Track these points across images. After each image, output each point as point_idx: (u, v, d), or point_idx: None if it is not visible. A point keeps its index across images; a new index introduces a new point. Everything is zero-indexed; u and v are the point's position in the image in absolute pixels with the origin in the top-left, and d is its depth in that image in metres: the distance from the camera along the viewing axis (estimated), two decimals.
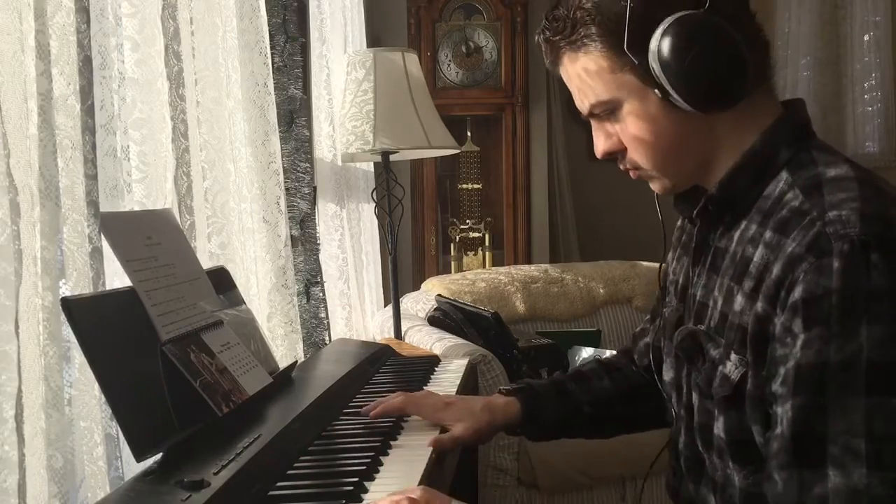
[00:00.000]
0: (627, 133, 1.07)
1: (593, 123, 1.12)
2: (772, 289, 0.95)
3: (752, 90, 1.03)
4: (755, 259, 0.99)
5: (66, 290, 1.09)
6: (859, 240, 0.89)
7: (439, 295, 2.77)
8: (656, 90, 1.02)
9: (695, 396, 1.10)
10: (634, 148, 1.08)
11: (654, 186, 1.13)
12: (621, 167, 1.14)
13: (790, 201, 0.99)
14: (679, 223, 1.27)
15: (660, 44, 0.99)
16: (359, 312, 2.72)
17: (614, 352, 2.83)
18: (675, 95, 1.00)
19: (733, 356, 1.01)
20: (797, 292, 0.91)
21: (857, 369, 0.87)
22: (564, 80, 1.12)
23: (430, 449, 1.14)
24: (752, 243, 1.02)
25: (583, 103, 1.10)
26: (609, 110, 1.08)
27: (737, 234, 1.06)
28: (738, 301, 1.01)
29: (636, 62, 1.01)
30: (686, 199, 1.14)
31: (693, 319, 1.12)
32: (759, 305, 0.96)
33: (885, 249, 0.89)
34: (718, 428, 1.05)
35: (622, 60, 1.03)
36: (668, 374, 1.20)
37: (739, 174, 1.06)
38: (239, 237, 1.70)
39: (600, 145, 1.11)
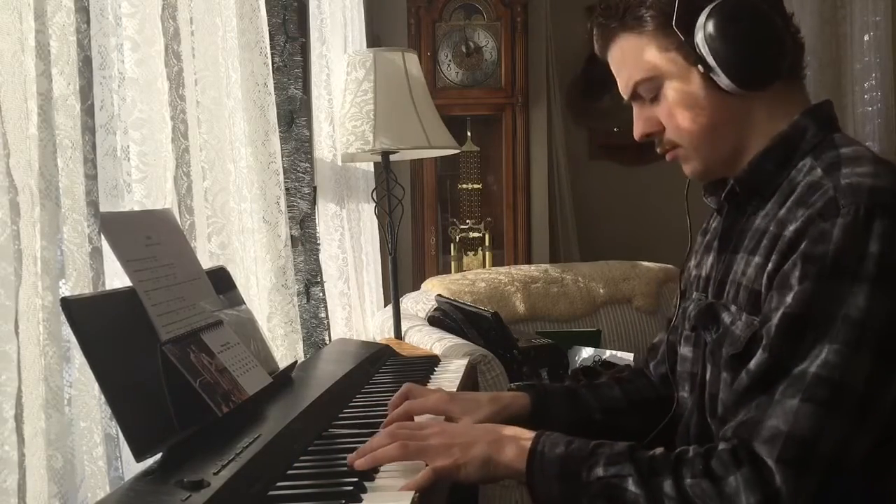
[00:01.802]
0: (668, 112, 1.15)
1: (635, 106, 1.19)
2: (784, 250, 1.01)
3: (783, 80, 1.11)
4: (771, 229, 1.06)
5: (65, 290, 1.09)
6: (865, 207, 0.97)
7: (439, 295, 2.77)
8: (700, 66, 1.09)
9: (708, 370, 1.14)
10: (673, 126, 1.15)
11: (687, 169, 1.19)
12: (658, 150, 1.20)
13: (810, 179, 1.06)
14: (703, 227, 1.30)
15: (706, 22, 1.07)
16: (359, 312, 2.72)
17: (615, 352, 2.84)
18: (717, 70, 1.08)
19: (745, 317, 1.07)
20: (801, 249, 0.99)
21: (833, 323, 0.95)
22: (612, 64, 1.20)
23: None
24: (770, 219, 1.08)
25: (628, 84, 1.18)
26: (652, 89, 1.15)
27: (759, 216, 1.11)
28: (753, 268, 1.07)
29: (683, 39, 1.10)
30: (715, 190, 1.20)
31: (713, 297, 1.17)
32: (771, 266, 1.03)
33: (888, 218, 0.96)
34: (724, 390, 1.09)
35: (669, 40, 1.11)
36: (682, 365, 1.23)
37: (767, 157, 1.12)
38: (239, 237, 1.70)
39: (640, 127, 1.18)
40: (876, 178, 1.00)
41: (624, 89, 1.19)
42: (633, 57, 1.15)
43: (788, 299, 0.98)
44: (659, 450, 1.01)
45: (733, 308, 1.10)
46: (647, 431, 1.28)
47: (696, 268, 1.27)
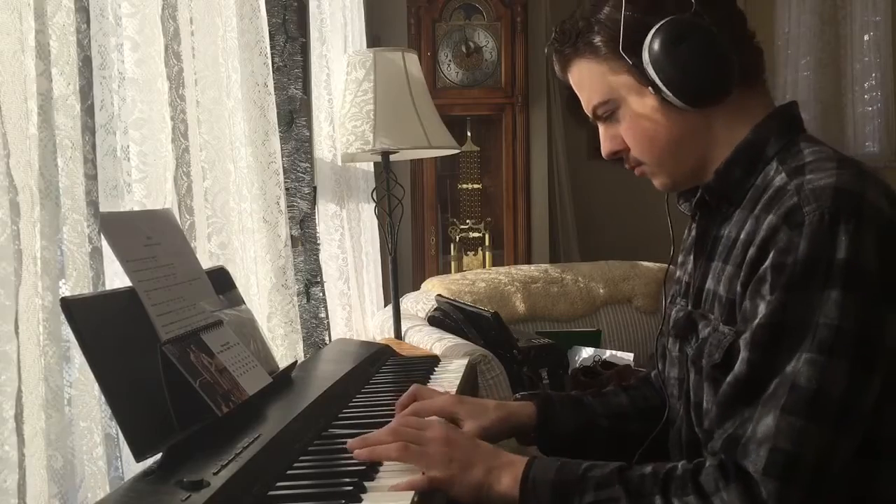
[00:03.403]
0: (628, 131, 1.16)
1: (600, 126, 1.20)
2: (753, 259, 1.02)
3: (740, 88, 1.10)
4: (742, 237, 1.07)
5: (65, 290, 1.09)
6: (829, 212, 0.97)
7: (439, 295, 2.77)
8: (650, 88, 1.10)
9: (691, 377, 1.15)
10: (635, 145, 1.16)
11: (656, 183, 1.21)
12: (626, 166, 1.21)
13: (776, 183, 1.06)
14: (686, 232, 1.30)
15: (651, 45, 1.08)
16: (359, 312, 2.71)
17: (615, 352, 2.83)
18: (666, 92, 1.09)
19: (722, 327, 1.07)
20: (770, 258, 0.99)
21: (807, 331, 0.95)
22: (573, 86, 1.21)
23: None
24: (741, 226, 1.08)
25: (588, 106, 1.19)
26: (611, 111, 1.16)
27: (730, 223, 1.12)
28: (727, 277, 1.08)
29: (631, 63, 1.10)
30: (689, 197, 1.21)
31: (692, 305, 1.18)
32: (743, 276, 1.03)
33: (853, 223, 0.96)
34: (708, 400, 1.09)
35: (620, 63, 1.12)
36: (671, 370, 1.24)
37: (733, 165, 1.12)
38: (239, 237, 1.70)
39: (606, 146, 1.20)
40: (839, 181, 0.99)
41: (586, 110, 1.20)
42: (588, 81, 1.17)
43: (761, 310, 0.99)
44: (648, 468, 1.01)
45: (711, 317, 1.10)
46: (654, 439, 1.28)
47: (680, 268, 1.28)
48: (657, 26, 1.08)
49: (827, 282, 0.95)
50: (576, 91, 1.21)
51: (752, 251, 1.02)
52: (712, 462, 0.98)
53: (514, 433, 1.30)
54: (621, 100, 1.14)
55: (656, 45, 1.07)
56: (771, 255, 0.99)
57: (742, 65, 1.10)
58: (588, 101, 1.19)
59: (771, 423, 0.95)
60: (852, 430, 0.95)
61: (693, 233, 1.24)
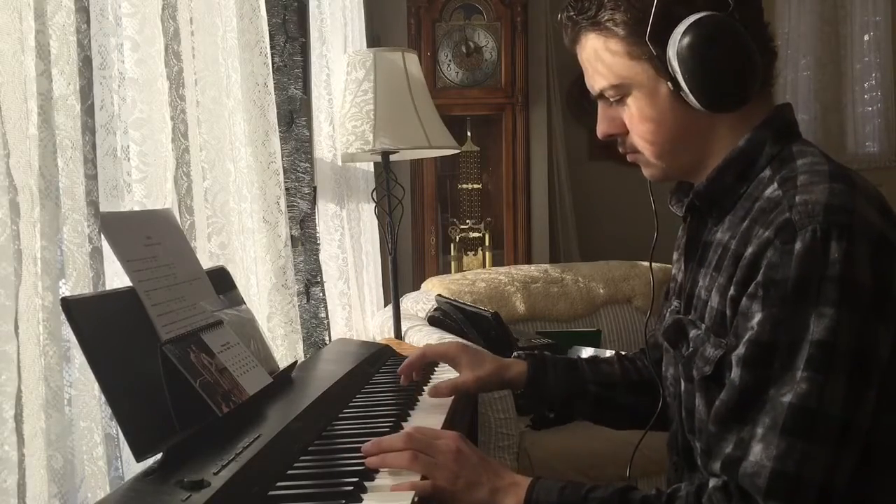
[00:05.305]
0: (632, 119, 1.12)
1: (600, 105, 1.16)
2: (744, 272, 1.00)
3: (756, 96, 1.07)
4: (733, 247, 1.05)
5: (66, 290, 1.09)
6: (821, 228, 0.95)
7: (439, 295, 2.77)
8: (669, 83, 1.06)
9: (682, 385, 1.15)
10: (636, 134, 1.13)
11: (646, 173, 1.19)
12: (620, 150, 1.18)
13: (768, 194, 1.04)
14: (680, 231, 1.29)
15: (680, 40, 1.02)
16: (359, 312, 2.72)
17: (614, 352, 2.84)
18: (686, 91, 1.05)
19: (713, 339, 1.06)
20: (761, 274, 0.97)
21: (800, 348, 0.94)
22: (580, 59, 1.16)
23: None
24: (732, 235, 1.07)
25: (594, 84, 1.14)
26: (619, 95, 1.12)
27: (721, 229, 1.10)
28: (718, 288, 1.06)
29: (654, 53, 1.05)
30: (680, 200, 1.20)
31: (683, 311, 1.17)
32: (734, 289, 1.02)
33: (844, 238, 0.95)
34: (700, 411, 1.09)
35: (641, 49, 1.07)
36: (667, 371, 1.24)
37: (726, 171, 1.11)
38: (239, 237, 1.70)
39: (603, 127, 1.16)
40: (831, 195, 0.98)
41: (590, 87, 1.15)
42: (601, 60, 1.11)
43: (753, 326, 0.97)
44: (652, 491, 1.01)
45: (701, 325, 1.09)
46: (639, 409, 1.31)
47: (675, 266, 1.27)
48: (691, 20, 1.02)
49: (819, 298, 0.94)
50: (582, 64, 1.15)
51: (743, 264, 1.01)
52: (715, 483, 0.97)
53: (505, 386, 1.40)
54: (633, 87, 1.09)
55: (686, 41, 1.02)
56: (762, 270, 0.97)
57: (763, 72, 1.06)
58: (595, 79, 1.13)
59: (770, 444, 0.93)
60: (852, 446, 0.94)
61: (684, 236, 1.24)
